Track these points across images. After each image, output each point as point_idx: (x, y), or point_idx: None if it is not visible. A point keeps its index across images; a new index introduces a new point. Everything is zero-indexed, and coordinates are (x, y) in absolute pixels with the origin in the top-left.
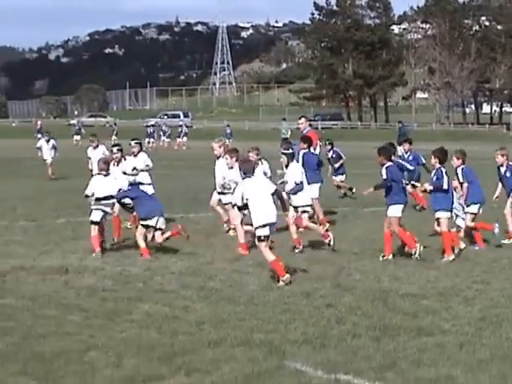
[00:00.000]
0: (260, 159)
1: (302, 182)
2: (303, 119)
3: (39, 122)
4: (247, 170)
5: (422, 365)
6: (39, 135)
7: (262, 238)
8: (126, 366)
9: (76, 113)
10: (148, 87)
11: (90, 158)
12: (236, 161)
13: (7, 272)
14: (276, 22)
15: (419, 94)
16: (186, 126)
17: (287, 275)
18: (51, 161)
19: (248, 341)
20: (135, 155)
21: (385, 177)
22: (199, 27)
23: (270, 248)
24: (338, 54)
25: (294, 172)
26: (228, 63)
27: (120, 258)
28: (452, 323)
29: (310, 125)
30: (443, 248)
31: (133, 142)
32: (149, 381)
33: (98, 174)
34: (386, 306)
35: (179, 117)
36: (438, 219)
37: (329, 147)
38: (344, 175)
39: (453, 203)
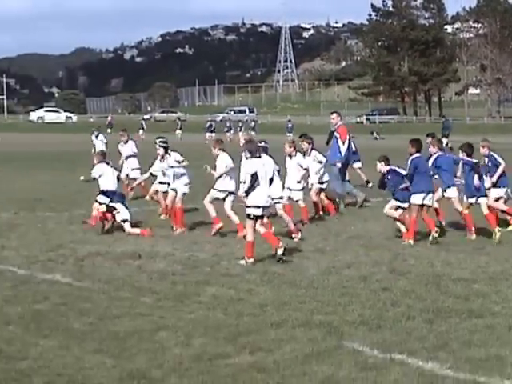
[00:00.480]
0: (312, 148)
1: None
2: (335, 114)
3: (109, 118)
4: (252, 150)
5: (473, 345)
6: (108, 130)
7: (252, 216)
8: (194, 345)
9: (149, 109)
10: (216, 84)
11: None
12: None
13: (84, 257)
14: (336, 22)
15: (471, 90)
16: (253, 121)
17: (252, 259)
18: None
19: (308, 322)
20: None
21: (408, 168)
22: (264, 28)
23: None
24: (394, 53)
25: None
26: (291, 61)
27: (189, 244)
28: (502, 306)
29: (341, 119)
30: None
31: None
32: (215, 359)
33: None
34: (439, 290)
35: (245, 112)
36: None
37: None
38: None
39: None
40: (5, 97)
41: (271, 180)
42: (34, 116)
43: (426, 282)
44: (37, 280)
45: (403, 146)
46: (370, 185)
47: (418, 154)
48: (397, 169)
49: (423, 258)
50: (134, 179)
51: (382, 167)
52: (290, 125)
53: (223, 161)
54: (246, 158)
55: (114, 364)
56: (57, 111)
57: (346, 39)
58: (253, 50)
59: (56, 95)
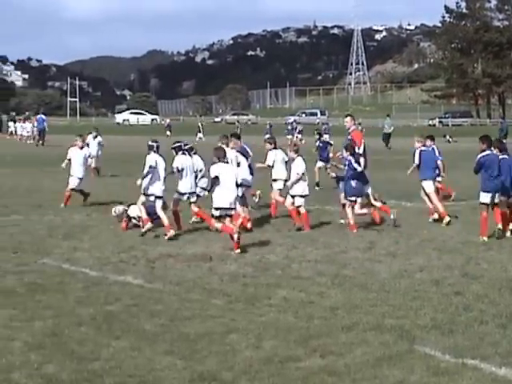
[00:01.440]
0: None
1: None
2: (349, 118)
3: (168, 120)
4: (219, 156)
5: None
6: (168, 132)
7: (215, 217)
8: (264, 348)
9: (220, 111)
10: (287, 87)
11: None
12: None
13: (156, 259)
14: (408, 24)
15: None
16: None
17: (238, 250)
18: (94, 156)
19: (379, 326)
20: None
21: (476, 164)
22: (335, 30)
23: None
24: (467, 55)
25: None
26: (363, 64)
27: (260, 246)
28: None
29: (355, 123)
30: None
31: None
32: (286, 362)
33: None
34: None
35: (316, 115)
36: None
37: (317, 137)
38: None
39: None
40: (77, 99)
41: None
42: (119, 118)
43: (499, 286)
44: (108, 281)
45: (476, 149)
46: (317, 188)
47: (487, 152)
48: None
49: (496, 263)
50: None
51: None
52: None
53: (298, 165)
54: (213, 163)
55: (185, 366)
56: (142, 113)
57: (418, 41)
58: (324, 53)
59: (128, 98)
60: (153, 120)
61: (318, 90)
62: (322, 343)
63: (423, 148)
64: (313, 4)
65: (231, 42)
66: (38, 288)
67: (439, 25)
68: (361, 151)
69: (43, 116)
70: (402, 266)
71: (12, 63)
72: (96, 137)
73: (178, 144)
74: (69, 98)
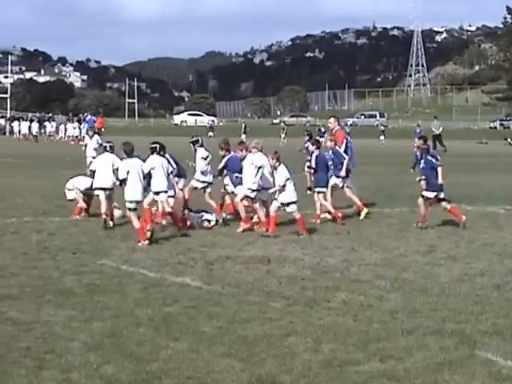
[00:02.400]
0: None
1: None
2: (332, 119)
3: (211, 122)
4: (128, 151)
5: None
6: (210, 133)
7: (131, 209)
8: (323, 351)
9: (278, 113)
10: (346, 89)
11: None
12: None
13: (214, 260)
14: (469, 25)
15: None
16: (383, 125)
17: (146, 241)
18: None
19: (440, 330)
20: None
21: None
22: (395, 31)
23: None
24: None
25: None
26: (422, 66)
27: (318, 249)
28: None
29: (339, 124)
30: None
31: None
32: (345, 365)
33: None
34: None
35: (375, 117)
36: None
37: (306, 138)
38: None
39: None
40: (136, 100)
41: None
42: (177, 119)
43: None
44: (167, 283)
45: None
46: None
47: None
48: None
49: None
50: None
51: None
52: (418, 130)
53: (282, 173)
54: (121, 159)
55: (243, 368)
56: (200, 115)
57: (479, 43)
58: (384, 54)
59: (186, 99)
60: (212, 121)
61: (377, 92)
62: (381, 347)
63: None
64: (372, 5)
65: (290, 43)
66: (97, 289)
67: (501, 26)
68: (342, 149)
69: (93, 117)
70: (462, 269)
71: (71, 64)
72: (92, 136)
73: (155, 145)
74: (127, 99)
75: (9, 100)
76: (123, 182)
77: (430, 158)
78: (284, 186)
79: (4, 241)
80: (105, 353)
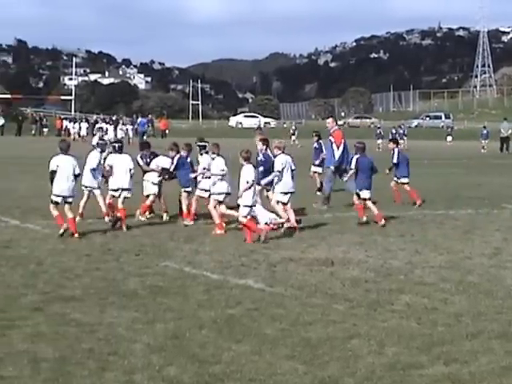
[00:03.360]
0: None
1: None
2: (331, 119)
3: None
4: (63, 148)
5: None
6: (294, 137)
7: (52, 201)
8: (386, 354)
9: (343, 114)
10: (411, 90)
11: None
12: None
13: (277, 262)
14: None
15: None
16: (449, 127)
17: (62, 228)
18: None
19: (505, 333)
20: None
21: None
22: (461, 32)
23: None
24: None
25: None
26: (488, 66)
27: (382, 251)
28: None
29: (337, 124)
30: None
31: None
32: (408, 369)
33: None
34: None
35: (441, 118)
36: None
37: (315, 138)
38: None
39: None
40: (200, 102)
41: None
42: (232, 121)
43: None
44: (229, 285)
45: None
46: (319, 193)
47: None
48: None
49: None
50: None
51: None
52: (484, 131)
53: (247, 173)
54: (57, 155)
55: (306, 371)
56: (255, 116)
57: None
58: (449, 55)
59: (250, 100)
60: (266, 124)
61: (443, 93)
62: (445, 350)
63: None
64: (437, 5)
65: (354, 44)
66: (160, 291)
67: None
68: (340, 151)
69: (144, 119)
70: None
71: (135, 66)
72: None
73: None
74: (191, 101)
75: (73, 102)
76: (52, 175)
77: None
78: (249, 187)
79: (68, 242)
80: (167, 355)
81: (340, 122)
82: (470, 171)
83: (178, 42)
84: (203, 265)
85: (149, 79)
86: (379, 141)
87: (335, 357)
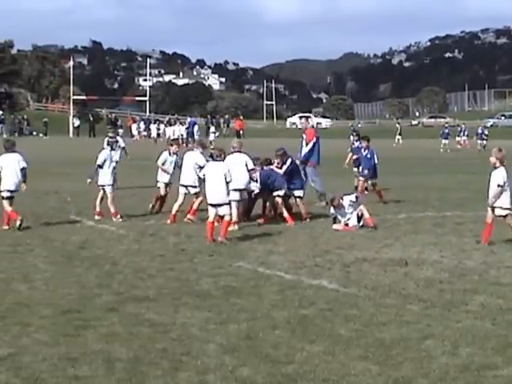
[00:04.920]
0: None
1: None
2: (303, 119)
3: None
4: (7, 147)
5: None
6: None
7: (3, 197)
8: (461, 355)
9: (417, 114)
10: (486, 89)
11: None
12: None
13: (351, 263)
14: None
15: None
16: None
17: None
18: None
19: None
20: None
21: None
22: None
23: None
24: None
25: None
26: None
27: (457, 251)
28: None
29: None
30: None
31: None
32: (483, 370)
33: None
34: None
35: None
36: None
37: (355, 138)
38: None
39: None
40: (274, 102)
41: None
42: (288, 122)
43: None
44: (303, 285)
45: None
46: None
47: None
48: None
49: None
50: None
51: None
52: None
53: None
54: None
55: (380, 371)
56: (310, 117)
57: None
58: None
59: (324, 101)
60: (318, 123)
61: None
62: None
63: None
64: None
65: (428, 43)
66: (233, 291)
67: None
68: (308, 148)
69: (194, 119)
70: None
71: (209, 67)
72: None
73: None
74: (265, 101)
75: (148, 103)
76: None
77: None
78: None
79: (142, 243)
80: (240, 355)
81: (414, 122)
82: None
83: (252, 43)
84: (277, 265)
85: (223, 80)
86: (445, 141)
87: (409, 357)
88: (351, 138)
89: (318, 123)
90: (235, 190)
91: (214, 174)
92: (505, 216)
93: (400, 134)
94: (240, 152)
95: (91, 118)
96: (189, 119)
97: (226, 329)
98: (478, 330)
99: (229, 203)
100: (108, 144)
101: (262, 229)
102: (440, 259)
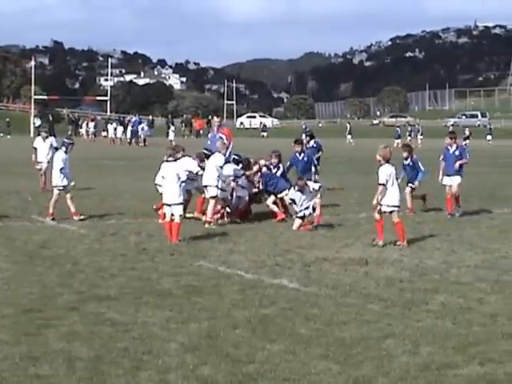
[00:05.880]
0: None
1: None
2: (217, 118)
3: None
4: None
5: None
6: (263, 134)
7: None
8: (421, 354)
9: (378, 113)
10: (447, 88)
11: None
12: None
13: (312, 262)
14: None
15: None
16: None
17: None
18: (46, 166)
19: None
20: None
21: None
22: (497, 30)
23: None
24: None
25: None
26: None
27: (417, 250)
28: None
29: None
30: None
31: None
32: (443, 369)
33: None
34: None
35: (477, 117)
36: None
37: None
38: None
39: None
40: (235, 102)
41: None
42: (238, 122)
43: None
44: (264, 284)
45: None
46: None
47: None
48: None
49: None
50: None
51: None
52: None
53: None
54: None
55: (340, 370)
56: (264, 116)
57: None
58: (485, 53)
59: (285, 100)
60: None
61: (479, 92)
62: (481, 351)
63: None
64: (473, 3)
65: (389, 43)
66: (194, 290)
67: None
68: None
69: (138, 118)
70: None
71: (170, 66)
72: (47, 137)
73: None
74: (226, 101)
75: (109, 102)
76: None
77: None
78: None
79: (103, 242)
80: (201, 354)
81: (375, 122)
82: (507, 171)
83: (213, 43)
84: (238, 264)
85: (184, 79)
86: (397, 141)
87: (369, 357)
88: (303, 138)
89: (261, 123)
90: (208, 186)
91: (167, 175)
92: (390, 212)
93: (350, 134)
94: (220, 152)
95: (51, 118)
96: (133, 118)
97: (187, 328)
98: (439, 329)
99: (182, 203)
100: (63, 145)
101: (222, 228)
102: (400, 258)
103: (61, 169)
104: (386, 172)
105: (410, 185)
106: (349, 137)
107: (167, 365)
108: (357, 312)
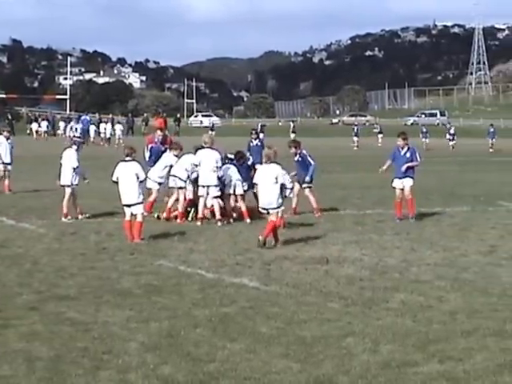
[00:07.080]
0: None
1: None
2: (160, 132)
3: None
4: None
5: None
6: (210, 132)
7: None
8: (381, 352)
9: (338, 112)
10: (406, 87)
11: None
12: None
13: (272, 261)
14: None
15: None
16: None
17: None
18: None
19: (501, 331)
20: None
21: None
22: (456, 29)
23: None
24: None
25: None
26: (484, 63)
27: (377, 249)
28: None
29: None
30: None
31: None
32: (403, 366)
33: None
34: None
35: (436, 115)
36: None
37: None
38: None
39: None
40: (195, 101)
41: None
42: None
43: None
44: (224, 283)
45: None
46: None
47: None
48: None
49: None
50: None
51: None
52: (491, 129)
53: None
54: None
55: (301, 369)
56: (210, 115)
57: None
58: (445, 52)
59: (245, 99)
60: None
61: (438, 91)
62: (440, 348)
63: None
64: (432, 3)
65: (349, 42)
66: (154, 289)
67: None
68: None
69: (87, 117)
70: None
71: (130, 65)
72: (8, 138)
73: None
74: (186, 100)
75: (68, 101)
76: None
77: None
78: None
79: (63, 241)
80: (162, 353)
81: (335, 120)
82: (466, 169)
83: (172, 41)
84: (198, 263)
85: (144, 78)
86: (355, 138)
87: (330, 355)
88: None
89: (201, 122)
90: (203, 186)
91: (124, 175)
92: (268, 213)
93: (294, 132)
94: (211, 148)
95: (9, 117)
96: (83, 117)
97: (147, 327)
98: (399, 328)
99: (141, 203)
100: (75, 143)
101: (182, 227)
102: (361, 257)
103: (75, 168)
104: (269, 171)
105: (304, 185)
106: (292, 135)
107: (127, 364)
108: (317, 311)
